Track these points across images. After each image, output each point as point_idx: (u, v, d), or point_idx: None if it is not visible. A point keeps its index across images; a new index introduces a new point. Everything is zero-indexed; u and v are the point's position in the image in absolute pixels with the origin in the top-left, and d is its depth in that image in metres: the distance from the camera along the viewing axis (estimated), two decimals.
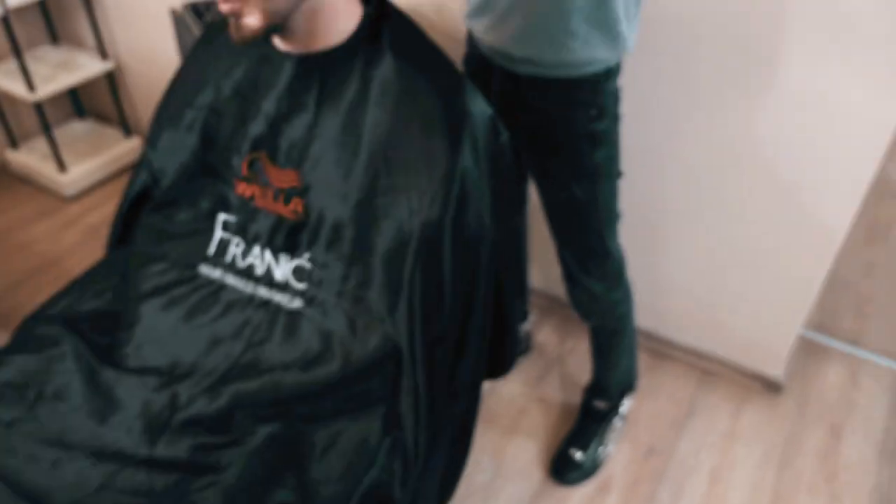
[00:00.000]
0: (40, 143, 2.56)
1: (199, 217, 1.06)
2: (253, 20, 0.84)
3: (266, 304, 1.00)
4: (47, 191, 2.54)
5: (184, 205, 1.08)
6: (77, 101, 2.73)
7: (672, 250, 1.77)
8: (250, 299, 1.01)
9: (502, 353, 1.08)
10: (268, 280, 1.01)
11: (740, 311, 1.78)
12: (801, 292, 1.67)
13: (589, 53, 1.11)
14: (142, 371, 0.98)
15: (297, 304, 0.99)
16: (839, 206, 1.49)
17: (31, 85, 2.25)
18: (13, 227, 2.38)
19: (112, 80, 2.53)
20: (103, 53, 2.45)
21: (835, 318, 2.11)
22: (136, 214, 1.17)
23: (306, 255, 0.98)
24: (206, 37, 1.06)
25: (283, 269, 1.00)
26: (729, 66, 1.42)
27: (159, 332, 1.01)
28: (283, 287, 1.00)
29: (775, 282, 1.68)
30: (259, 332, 0.99)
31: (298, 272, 0.99)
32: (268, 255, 1.00)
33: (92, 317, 1.08)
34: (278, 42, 0.94)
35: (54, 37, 2.58)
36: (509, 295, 1.04)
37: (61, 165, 2.44)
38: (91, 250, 2.28)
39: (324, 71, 0.93)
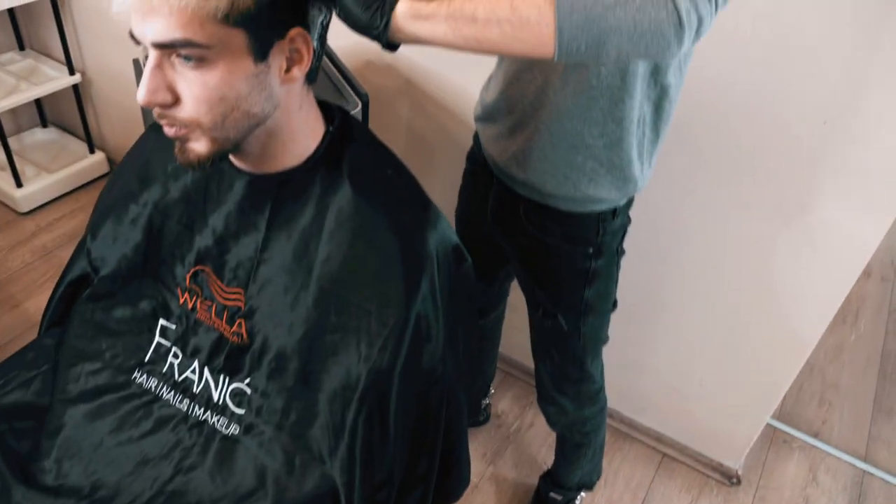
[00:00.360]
0: None
1: (138, 318, 0.99)
2: (200, 146, 0.77)
3: (201, 424, 0.93)
4: (1, 203, 2.42)
5: (123, 300, 1.00)
6: (41, 110, 2.62)
7: (645, 332, 1.72)
8: (185, 417, 0.94)
9: (449, 483, 1.02)
10: (205, 399, 0.93)
11: (706, 400, 1.74)
12: (768, 390, 1.64)
13: (594, 192, 1.03)
14: (59, 491, 0.90)
15: (233, 429, 0.92)
16: (814, 317, 1.46)
17: None
18: None
19: (78, 93, 2.42)
20: (71, 67, 2.34)
21: (798, 404, 2.08)
22: (73, 293, 1.09)
23: (247, 381, 0.91)
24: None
25: (221, 390, 0.92)
26: (724, 177, 1.38)
27: (83, 446, 0.94)
28: (221, 409, 0.92)
29: (744, 375, 1.64)
30: (190, 457, 0.91)
31: (238, 396, 0.92)
32: (207, 372, 0.93)
33: (14, 412, 0.99)
34: (231, 156, 0.86)
35: (21, 43, 2.46)
36: (459, 426, 0.98)
37: (17, 180, 2.33)
38: (38, 277, 2.17)
39: (277, 193, 0.86)
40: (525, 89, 1.01)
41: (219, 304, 0.91)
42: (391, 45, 0.73)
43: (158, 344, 0.97)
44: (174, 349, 0.96)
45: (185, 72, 0.71)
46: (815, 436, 1.98)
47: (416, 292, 0.83)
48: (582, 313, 1.17)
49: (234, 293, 0.90)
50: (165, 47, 0.70)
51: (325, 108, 0.89)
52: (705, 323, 1.62)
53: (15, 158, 2.34)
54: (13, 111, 2.46)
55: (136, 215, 0.97)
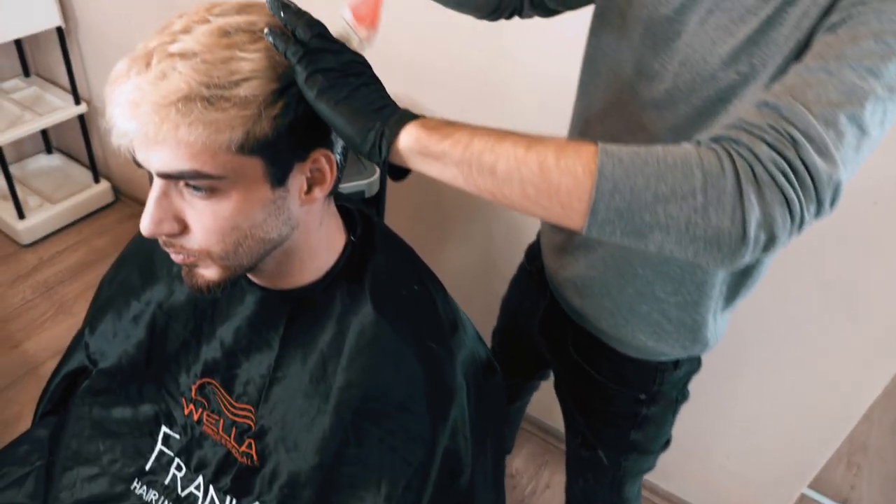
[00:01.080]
0: (1, 180, 2.37)
1: (139, 420, 0.91)
2: (210, 273, 0.69)
3: None
4: (2, 233, 2.36)
5: (123, 399, 0.93)
6: (46, 136, 2.55)
7: None
8: None
9: None
10: None
11: (734, 469, 1.66)
12: (804, 463, 1.56)
13: (655, 345, 0.92)
14: None
15: None
16: (861, 390, 1.38)
17: None
18: None
19: (84, 123, 2.35)
20: (76, 96, 2.27)
21: (825, 468, 1.99)
22: (70, 384, 1.02)
23: None
24: None
25: None
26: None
27: None
28: None
29: (779, 447, 1.56)
30: None
31: None
32: (212, 491, 0.86)
33: None
34: None
35: (26, 69, 2.40)
36: None
37: (19, 211, 2.26)
38: (38, 315, 2.10)
39: (293, 310, 0.78)
40: None
41: (227, 420, 0.84)
42: (397, 174, 0.62)
43: (161, 452, 0.89)
44: (177, 460, 0.88)
45: (195, 201, 0.64)
46: (844, 502, 1.89)
47: (443, 427, 0.75)
48: (626, 451, 1.06)
49: (244, 410, 0.82)
50: (172, 178, 0.62)
51: (345, 213, 0.82)
52: (743, 394, 1.54)
53: (17, 187, 2.27)
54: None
55: (139, 312, 0.89)
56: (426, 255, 0.92)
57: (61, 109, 2.26)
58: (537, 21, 1.35)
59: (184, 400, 0.87)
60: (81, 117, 2.33)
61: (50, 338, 2.04)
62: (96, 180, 2.48)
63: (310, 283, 0.77)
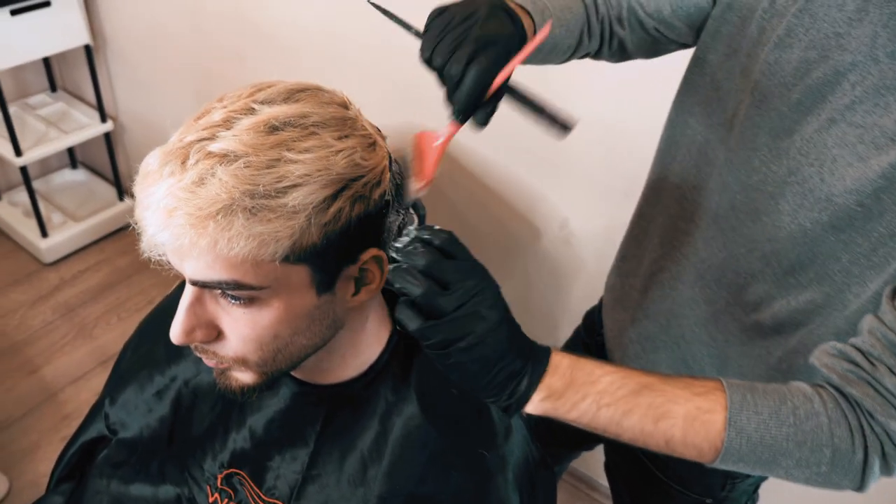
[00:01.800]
0: (25, 196, 2.34)
1: (160, 501, 0.85)
2: (245, 377, 0.63)
3: None
4: (25, 251, 2.32)
5: (143, 476, 0.87)
6: (71, 150, 2.52)
7: None
8: None
9: None
10: None
11: None
12: None
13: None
14: None
15: None
16: None
17: (17, 149, 2.03)
18: None
19: (109, 140, 2.31)
20: (103, 115, 2.23)
21: None
22: (88, 451, 0.96)
23: None
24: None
25: None
26: None
27: None
28: None
29: None
30: None
31: None
32: None
33: None
34: None
35: (53, 84, 2.36)
36: None
37: (42, 230, 2.23)
38: (58, 339, 2.07)
39: (332, 406, 0.72)
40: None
41: None
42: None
43: None
44: None
45: (232, 309, 0.57)
46: None
47: None
48: None
49: None
50: (208, 287, 0.56)
51: (390, 297, 0.75)
52: None
53: (41, 203, 2.24)
54: None
55: (163, 387, 0.83)
56: None
57: (87, 127, 2.23)
58: (584, 65, 1.28)
59: (209, 488, 0.81)
60: (107, 135, 2.29)
61: (69, 363, 2.00)
62: (120, 198, 2.44)
63: (351, 378, 0.71)
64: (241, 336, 0.58)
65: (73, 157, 2.53)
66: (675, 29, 0.81)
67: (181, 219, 0.52)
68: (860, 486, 0.58)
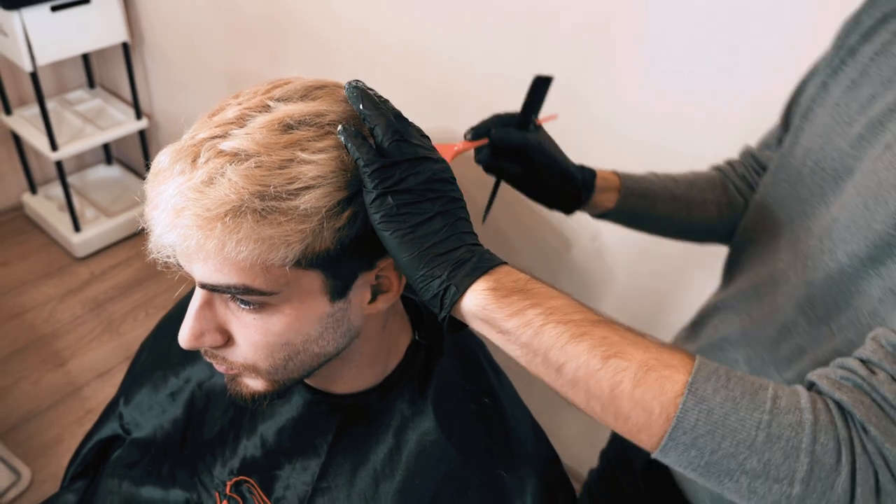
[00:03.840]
0: (60, 191, 2.37)
1: None
2: (255, 384, 0.61)
3: None
4: (58, 244, 2.35)
5: (155, 478, 0.85)
6: (107, 147, 2.54)
7: None
8: None
9: None
10: None
11: None
12: None
13: None
14: None
15: None
16: None
17: (54, 144, 2.05)
18: (15, 285, 2.19)
19: (144, 137, 2.33)
20: (138, 112, 2.25)
21: None
22: (102, 450, 0.95)
23: None
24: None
25: None
26: None
27: None
28: None
29: None
30: None
31: None
32: None
33: None
34: None
35: (91, 80, 2.39)
36: None
37: (76, 224, 2.25)
38: (86, 333, 2.08)
39: (345, 416, 0.69)
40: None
41: None
42: (454, 327, 0.53)
43: None
44: None
45: (241, 314, 0.55)
46: None
47: None
48: None
49: None
50: (217, 291, 0.53)
51: (408, 305, 0.72)
52: None
53: (75, 199, 2.27)
54: None
55: (177, 389, 0.82)
56: None
57: (123, 124, 2.24)
58: (620, 73, 1.25)
59: (217, 495, 0.79)
60: (142, 132, 2.31)
61: (95, 358, 2.01)
62: None
63: (367, 388, 0.68)
64: (251, 342, 0.56)
65: (108, 154, 2.56)
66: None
67: (188, 219, 0.50)
68: None
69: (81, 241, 2.27)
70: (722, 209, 0.89)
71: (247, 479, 0.75)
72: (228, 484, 0.77)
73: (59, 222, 2.30)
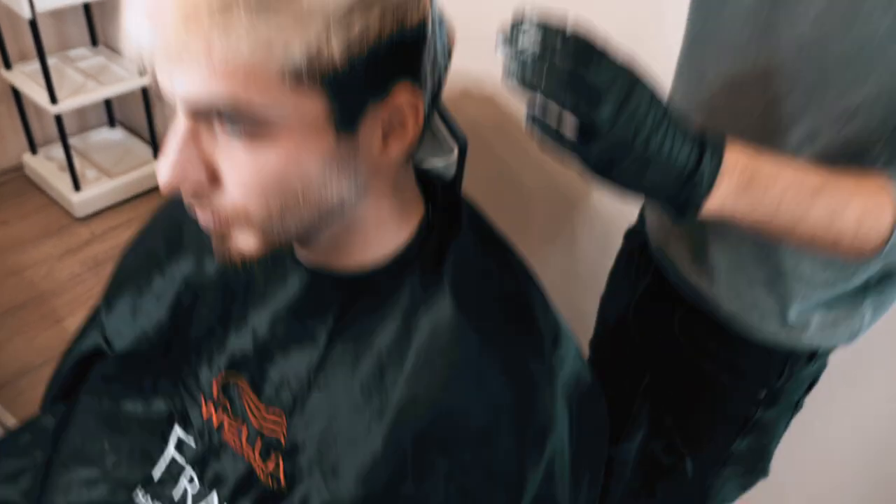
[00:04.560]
0: (61, 152, 2.30)
1: (151, 418, 0.76)
2: (245, 243, 0.53)
3: None
4: (58, 204, 2.29)
5: (136, 391, 0.78)
6: (110, 109, 2.48)
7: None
8: None
9: None
10: None
11: None
12: None
13: (788, 334, 0.74)
14: None
15: None
16: None
17: (53, 97, 1.98)
18: (14, 244, 2.13)
19: (147, 95, 2.26)
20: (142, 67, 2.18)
21: None
22: (83, 366, 0.88)
23: None
24: None
25: None
26: None
27: None
28: None
29: None
30: None
31: None
32: None
33: None
34: None
35: (94, 38, 2.33)
36: None
37: (76, 183, 2.18)
38: (84, 292, 2.01)
39: (348, 298, 0.61)
40: None
41: (252, 429, 0.67)
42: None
43: (172, 460, 0.74)
44: (189, 471, 0.72)
45: (232, 146, 0.47)
46: None
47: (535, 468, 0.57)
48: (720, 465, 0.87)
49: (274, 418, 0.66)
50: (202, 112, 0.45)
51: (422, 177, 0.64)
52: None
53: (76, 159, 2.20)
54: (80, 109, 2.31)
55: (162, 290, 0.74)
56: None
57: (124, 80, 2.18)
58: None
59: (203, 398, 0.71)
60: (145, 92, 2.24)
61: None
62: (156, 157, 2.39)
63: (373, 265, 0.60)
64: (240, 182, 0.48)
65: (111, 116, 2.50)
66: None
67: (170, 15, 0.42)
68: None
69: (81, 201, 2.21)
70: None
71: (235, 379, 0.68)
72: (215, 384, 0.69)
73: (59, 182, 2.23)
